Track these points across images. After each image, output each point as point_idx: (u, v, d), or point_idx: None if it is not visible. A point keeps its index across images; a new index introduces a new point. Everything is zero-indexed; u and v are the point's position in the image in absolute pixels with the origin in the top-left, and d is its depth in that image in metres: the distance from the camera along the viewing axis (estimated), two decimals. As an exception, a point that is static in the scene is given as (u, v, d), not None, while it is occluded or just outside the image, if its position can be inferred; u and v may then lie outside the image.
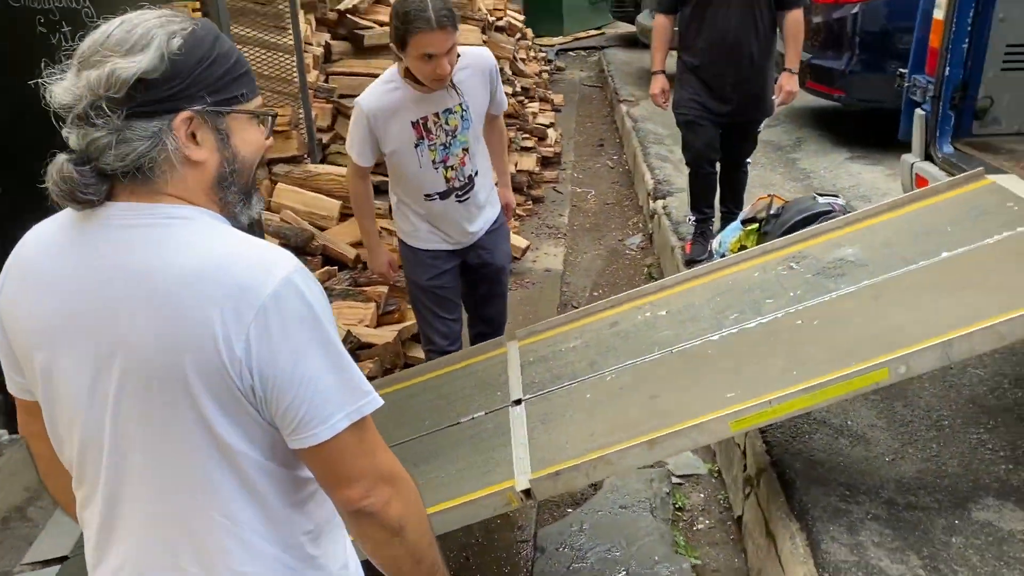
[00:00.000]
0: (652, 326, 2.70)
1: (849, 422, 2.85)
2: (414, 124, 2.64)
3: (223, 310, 1.02)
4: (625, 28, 12.24)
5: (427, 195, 2.75)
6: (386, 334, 3.58)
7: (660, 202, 5.31)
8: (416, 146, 2.66)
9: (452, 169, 2.73)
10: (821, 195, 3.68)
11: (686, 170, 4.12)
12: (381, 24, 4.91)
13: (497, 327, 3.09)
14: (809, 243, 2.82)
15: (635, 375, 2.49)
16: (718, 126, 4.04)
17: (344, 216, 4.02)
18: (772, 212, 3.69)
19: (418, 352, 3.69)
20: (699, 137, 4.10)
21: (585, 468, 2.10)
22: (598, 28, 13.88)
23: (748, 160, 4.25)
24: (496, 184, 2.98)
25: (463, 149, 2.72)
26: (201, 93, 1.07)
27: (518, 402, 2.52)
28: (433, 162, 2.70)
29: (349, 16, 4.94)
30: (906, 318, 2.25)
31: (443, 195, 2.75)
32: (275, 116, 1.22)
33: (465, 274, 2.98)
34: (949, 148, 3.06)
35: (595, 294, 4.93)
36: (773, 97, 3.96)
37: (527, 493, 2.11)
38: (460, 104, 2.67)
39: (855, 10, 5.61)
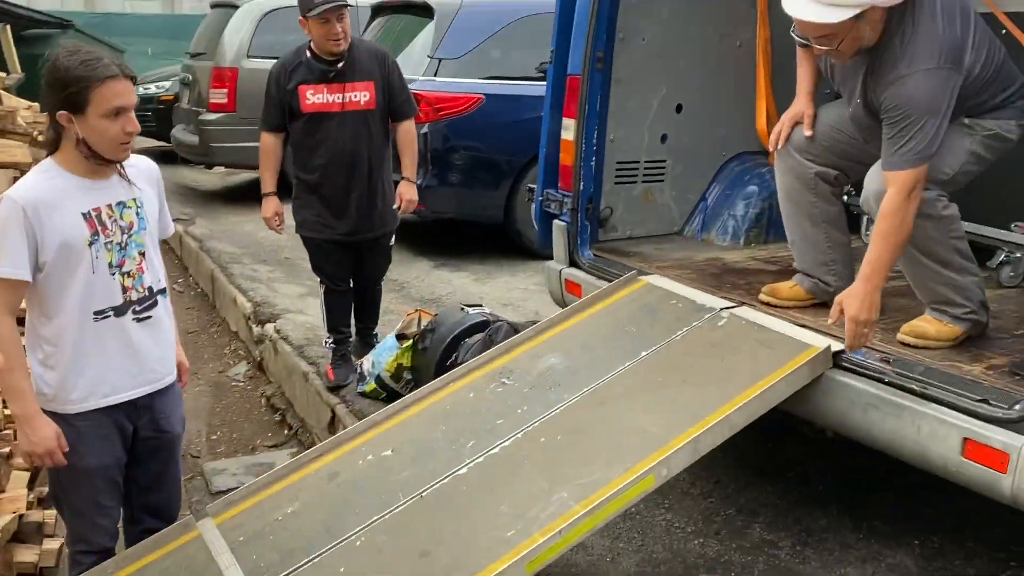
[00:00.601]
0: (383, 469, 2.44)
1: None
2: (86, 216, 2.12)
3: None
4: (152, 143, 11.38)
5: (98, 312, 2.16)
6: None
7: (269, 326, 4.96)
8: (91, 244, 2.13)
9: (130, 276, 2.20)
10: (467, 306, 3.76)
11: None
12: None
13: (168, 520, 2.48)
14: (510, 356, 2.84)
15: (390, 532, 2.21)
16: (348, 244, 3.92)
17: None
18: (425, 327, 3.66)
19: (28, 555, 2.84)
20: (329, 258, 3.94)
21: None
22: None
23: (383, 276, 4.19)
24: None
25: (140, 253, 2.22)
26: None
27: (255, 599, 2.06)
28: (110, 265, 2.16)
29: None
30: (644, 420, 2.37)
31: (118, 311, 2.18)
32: None
33: (130, 448, 2.36)
34: (590, 254, 3.37)
35: (214, 437, 4.37)
36: (395, 207, 3.96)
37: None
38: (135, 199, 2.22)
39: (424, 130, 5.97)
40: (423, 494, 2.29)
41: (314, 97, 3.66)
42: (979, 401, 2.15)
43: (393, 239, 4.08)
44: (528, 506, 2.16)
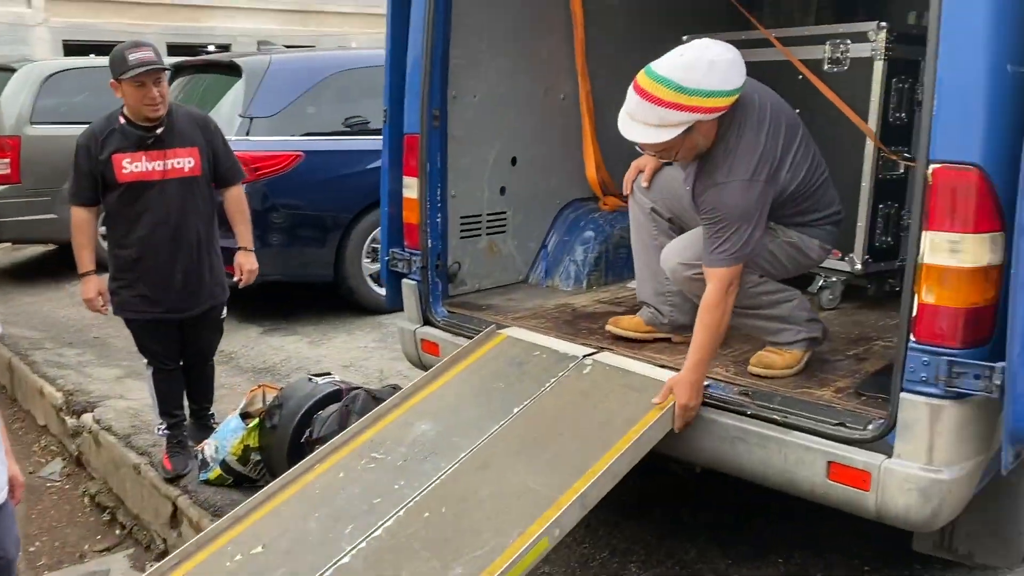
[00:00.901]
0: (256, 570, 2.25)
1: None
2: None
3: None
4: None
5: None
6: None
7: (87, 416, 4.51)
8: None
9: None
10: (315, 375, 3.60)
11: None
12: None
13: None
14: (376, 428, 2.73)
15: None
16: (176, 322, 3.64)
17: None
18: (271, 403, 3.46)
19: None
20: (156, 337, 3.65)
21: None
22: None
23: (215, 351, 3.92)
24: None
25: None
26: None
27: None
28: None
29: None
30: (529, 480, 2.34)
31: None
32: None
33: None
34: (444, 311, 3.32)
35: (32, 549, 3.90)
36: (236, 279, 3.75)
37: None
38: None
39: (241, 191, 5.72)
40: (306, 591, 2.13)
41: (131, 166, 3.39)
42: (837, 425, 2.29)
43: (225, 311, 3.84)
44: (423, 588, 2.07)
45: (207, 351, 3.85)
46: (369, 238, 5.95)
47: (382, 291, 5.98)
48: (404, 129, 3.29)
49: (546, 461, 2.39)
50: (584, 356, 2.80)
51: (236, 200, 3.73)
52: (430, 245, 3.28)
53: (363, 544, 2.25)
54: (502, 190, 3.62)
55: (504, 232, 3.67)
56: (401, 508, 2.34)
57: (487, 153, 3.54)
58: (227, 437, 3.49)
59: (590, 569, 3.01)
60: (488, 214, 3.59)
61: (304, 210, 5.75)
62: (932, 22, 2.01)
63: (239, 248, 3.75)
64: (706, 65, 2.41)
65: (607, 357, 2.80)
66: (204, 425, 3.90)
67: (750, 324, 2.76)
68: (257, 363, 5.23)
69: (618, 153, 4.07)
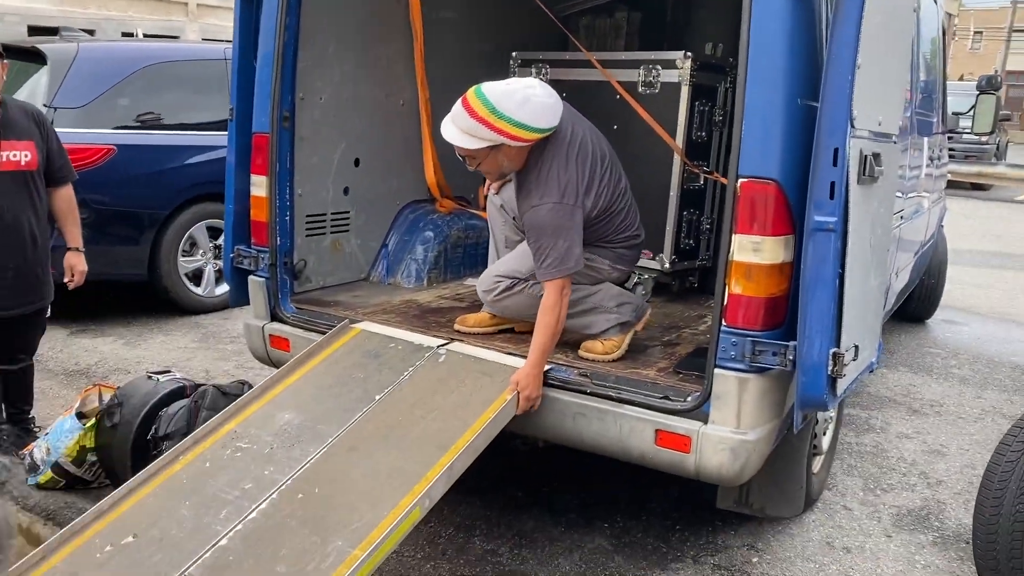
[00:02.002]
0: (129, 558, 2.29)
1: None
2: None
3: None
4: None
5: None
6: None
7: None
8: None
9: None
10: (155, 373, 3.55)
11: None
12: None
13: None
14: (238, 420, 2.80)
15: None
16: (2, 321, 3.48)
17: None
18: (110, 402, 3.39)
19: None
20: None
21: None
22: None
23: (36, 350, 3.76)
24: None
25: None
26: None
27: None
28: None
29: None
30: (397, 459, 2.53)
31: None
32: None
33: None
34: (292, 307, 3.41)
35: None
36: (67, 280, 3.64)
37: None
38: None
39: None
40: (187, 573, 2.20)
41: None
42: (662, 398, 2.67)
43: (48, 310, 3.71)
44: (305, 561, 2.21)
45: (29, 349, 3.69)
46: (186, 235, 5.82)
47: (199, 290, 5.96)
48: (253, 128, 3.35)
49: (411, 441, 2.60)
50: (438, 346, 3.03)
51: (67, 200, 3.64)
52: (278, 243, 3.36)
53: (239, 526, 2.34)
54: (345, 190, 3.76)
55: (347, 231, 3.81)
56: (274, 491, 2.46)
57: (332, 154, 3.67)
58: (61, 438, 3.37)
59: (437, 545, 3.23)
60: (332, 213, 3.72)
61: (116, 206, 5.52)
62: (741, 60, 2.43)
63: (70, 248, 3.64)
64: (521, 99, 2.76)
65: (460, 347, 3.04)
66: (26, 429, 3.72)
67: (568, 325, 3.06)
68: (69, 365, 4.98)
69: (455, 158, 4.34)
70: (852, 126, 2.34)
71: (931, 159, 5.23)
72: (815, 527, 3.43)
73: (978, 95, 6.03)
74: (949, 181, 14.64)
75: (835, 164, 2.33)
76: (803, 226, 2.40)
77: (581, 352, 3.04)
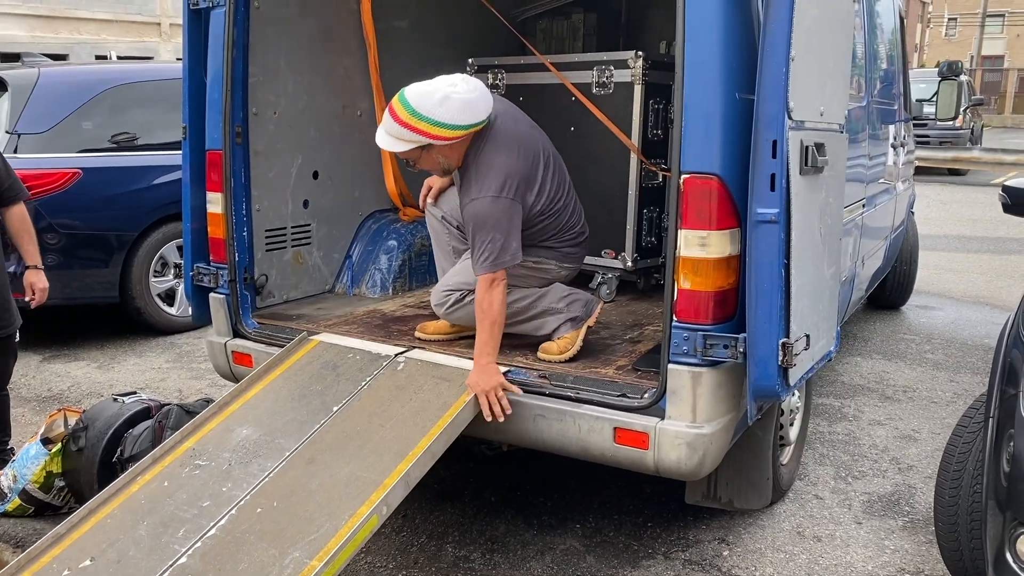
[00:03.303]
0: (88, 582, 2.27)
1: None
2: None
3: None
4: None
5: None
6: None
7: None
8: None
9: None
10: (120, 395, 3.54)
11: None
12: None
13: None
14: (197, 437, 2.79)
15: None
16: None
17: None
18: (75, 426, 3.38)
19: None
20: None
21: None
22: None
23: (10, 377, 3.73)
24: None
25: None
26: None
27: None
28: None
29: None
30: (354, 468, 2.53)
31: None
32: None
33: None
34: (254, 323, 3.41)
35: None
36: (28, 299, 3.62)
37: None
38: None
39: (12, 209, 5.38)
40: (145, 596, 2.20)
41: None
42: (619, 396, 2.68)
43: (17, 334, 3.69)
44: (264, 574, 2.20)
45: (3, 378, 3.66)
46: (157, 256, 5.81)
47: (172, 310, 5.95)
48: (207, 145, 3.35)
49: (369, 450, 2.60)
50: (396, 355, 3.03)
51: (20, 218, 3.61)
52: (237, 258, 3.36)
53: (198, 544, 2.34)
54: (305, 203, 3.76)
55: (309, 244, 3.81)
56: (233, 507, 2.45)
57: (289, 167, 3.67)
58: (27, 465, 3.36)
59: (410, 554, 3.23)
60: (293, 227, 3.71)
61: (84, 230, 5.51)
62: (678, 58, 2.45)
63: (28, 267, 3.62)
64: (440, 98, 2.77)
65: (418, 354, 3.04)
66: (3, 460, 3.70)
67: (520, 330, 3.11)
68: (41, 391, 4.96)
69: (415, 167, 4.34)
70: (789, 117, 2.36)
71: (894, 146, 5.26)
72: (786, 517, 3.45)
73: (940, 81, 6.08)
74: (926, 168, 14.82)
75: (774, 156, 2.35)
76: (746, 219, 2.42)
77: (539, 354, 3.05)
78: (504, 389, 2.76)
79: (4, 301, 3.54)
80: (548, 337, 3.08)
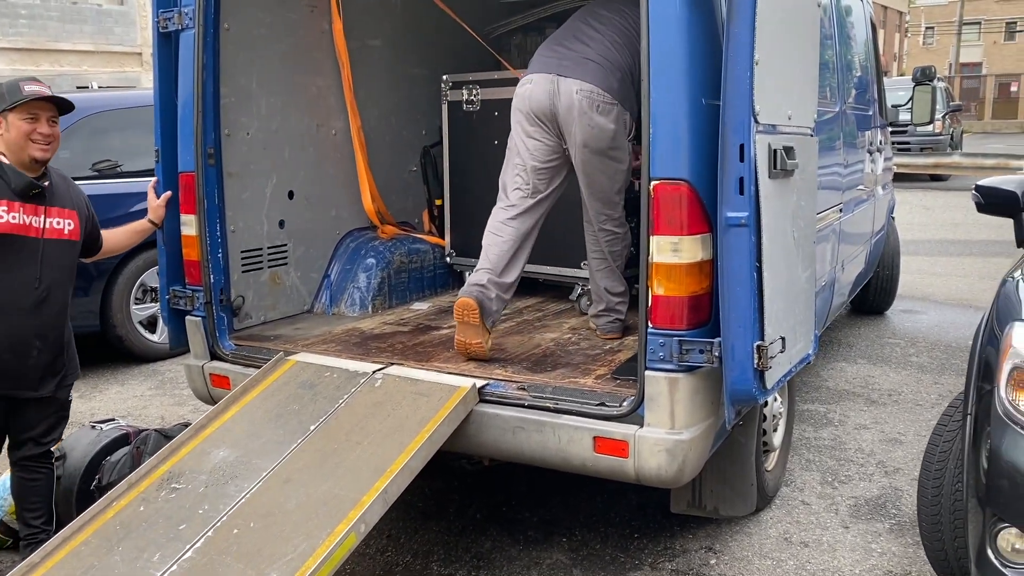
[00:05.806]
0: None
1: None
2: None
3: None
4: None
5: None
6: None
7: None
8: None
9: None
10: (98, 423, 3.51)
11: None
12: None
13: None
14: (173, 461, 2.76)
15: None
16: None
17: None
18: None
19: None
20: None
21: None
22: None
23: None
24: None
25: None
26: None
27: None
28: None
29: None
30: (332, 487, 2.50)
31: None
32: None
33: None
34: (231, 344, 3.38)
35: None
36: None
37: None
38: None
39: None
40: (119, 622, 2.16)
41: (8, 215, 2.84)
42: (598, 405, 2.67)
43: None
44: (239, 599, 2.17)
45: (56, 436, 3.20)
46: (137, 283, 5.78)
47: (153, 337, 5.90)
48: (179, 168, 3.34)
49: (347, 468, 2.57)
50: (374, 371, 3.01)
51: (114, 243, 3.40)
52: (212, 280, 3.33)
53: (174, 567, 2.30)
54: (281, 223, 3.75)
55: (286, 264, 3.79)
56: (209, 528, 2.42)
57: (264, 188, 3.66)
58: (4, 496, 3.31)
59: (395, 574, 3.19)
60: (269, 247, 3.70)
61: (64, 258, 5.46)
62: (643, 65, 2.45)
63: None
64: None
65: (396, 370, 3.02)
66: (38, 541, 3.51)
67: None
68: (21, 423, 4.90)
69: (392, 184, 4.35)
70: (756, 121, 2.36)
71: (871, 152, 5.29)
72: (773, 524, 3.43)
73: (914, 87, 6.13)
74: (908, 174, 14.88)
75: (742, 160, 2.36)
76: (717, 223, 2.42)
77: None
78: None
79: (70, 351, 3.24)
80: None
